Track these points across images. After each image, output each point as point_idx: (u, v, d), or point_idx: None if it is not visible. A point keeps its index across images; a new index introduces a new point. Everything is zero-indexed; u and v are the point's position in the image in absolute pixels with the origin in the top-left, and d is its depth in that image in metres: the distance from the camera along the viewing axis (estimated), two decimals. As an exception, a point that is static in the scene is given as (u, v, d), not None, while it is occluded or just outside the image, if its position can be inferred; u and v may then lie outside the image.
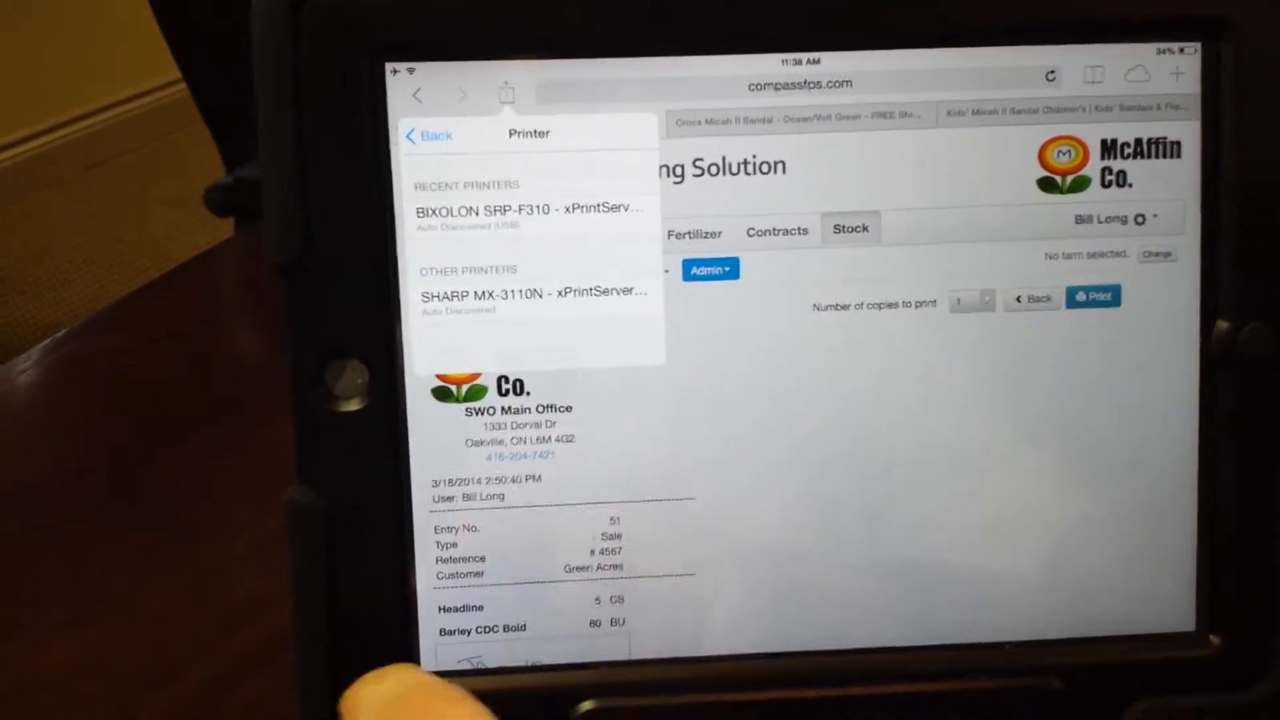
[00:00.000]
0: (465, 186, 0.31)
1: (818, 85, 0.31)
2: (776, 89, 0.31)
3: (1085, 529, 0.32)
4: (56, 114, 2.20)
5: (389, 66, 0.30)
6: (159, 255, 1.90)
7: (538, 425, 0.31)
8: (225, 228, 1.12)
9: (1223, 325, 0.31)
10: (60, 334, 0.59)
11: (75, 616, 0.40)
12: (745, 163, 0.31)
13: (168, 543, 0.44)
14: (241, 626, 0.39)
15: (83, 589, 0.41)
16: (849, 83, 0.31)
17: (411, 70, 0.30)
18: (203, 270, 0.69)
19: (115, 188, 2.18)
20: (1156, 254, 0.31)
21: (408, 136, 0.31)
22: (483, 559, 0.32)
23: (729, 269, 0.31)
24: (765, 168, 0.31)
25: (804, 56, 0.31)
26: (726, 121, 0.31)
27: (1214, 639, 0.32)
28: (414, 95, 0.31)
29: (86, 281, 1.88)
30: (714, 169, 0.31)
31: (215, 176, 1.12)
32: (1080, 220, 0.31)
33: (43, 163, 2.17)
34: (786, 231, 0.31)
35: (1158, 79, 0.31)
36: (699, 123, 0.31)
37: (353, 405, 0.31)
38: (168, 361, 0.55)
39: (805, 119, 0.31)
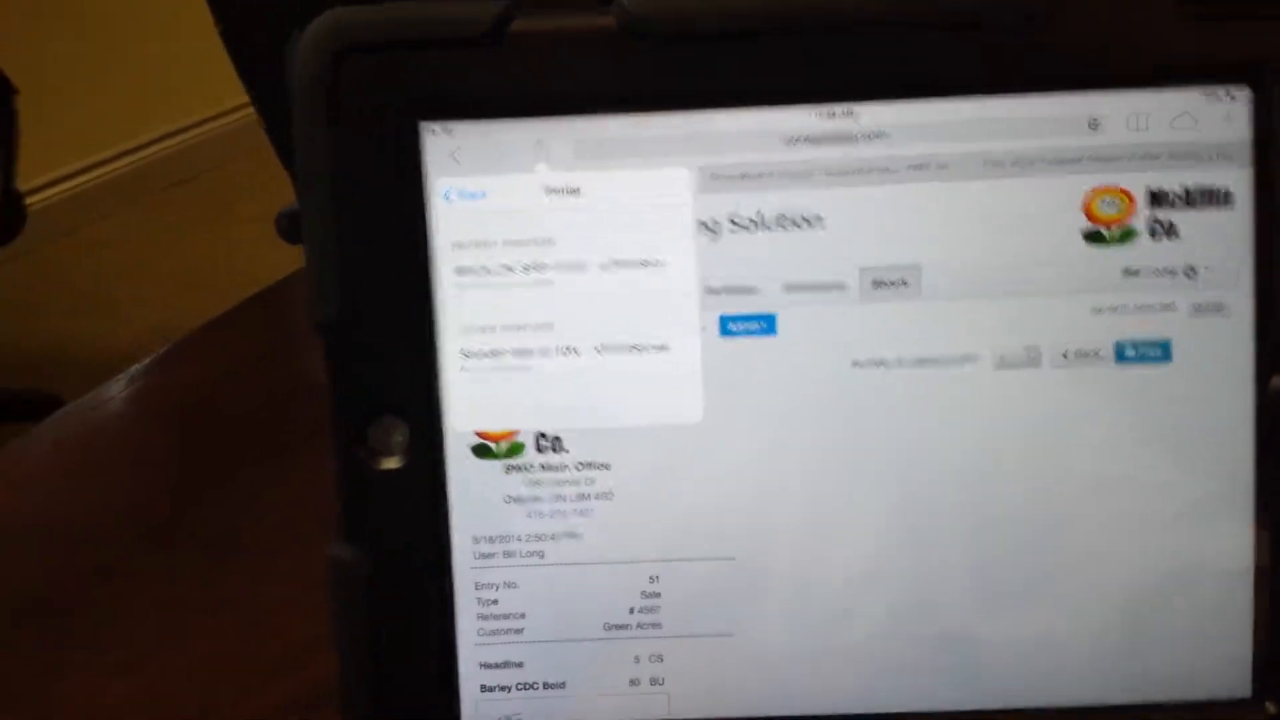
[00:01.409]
0: (502, 244, 0.31)
1: (854, 138, 0.31)
2: (812, 142, 0.31)
3: (1137, 592, 0.31)
4: (139, 134, 2.26)
5: (426, 127, 0.31)
6: (239, 275, 1.93)
7: (576, 483, 0.31)
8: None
9: (1278, 380, 0.30)
10: (133, 369, 0.61)
11: (127, 659, 0.41)
12: (781, 217, 0.31)
13: (218, 583, 0.44)
14: (286, 673, 0.39)
15: (133, 631, 0.42)
16: (885, 134, 0.30)
17: (449, 131, 0.31)
18: (276, 301, 0.70)
19: (196, 207, 2.23)
20: (1208, 307, 0.30)
21: (445, 196, 0.31)
22: (523, 615, 0.32)
23: (766, 325, 0.31)
24: (802, 222, 0.31)
25: (839, 108, 0.30)
26: (761, 176, 0.31)
27: (1271, 706, 0.31)
28: (452, 155, 0.31)
29: (167, 300, 1.93)
30: (750, 224, 0.31)
31: (294, 197, 1.13)
32: (1128, 273, 0.30)
33: (125, 182, 2.23)
34: (824, 287, 0.31)
35: (1206, 125, 0.30)
36: (734, 177, 0.31)
37: (393, 463, 0.31)
38: (233, 398, 0.56)
39: (842, 172, 0.31)
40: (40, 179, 2.07)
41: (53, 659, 0.41)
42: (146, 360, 0.61)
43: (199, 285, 1.95)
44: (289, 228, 1.10)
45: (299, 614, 0.41)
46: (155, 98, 2.25)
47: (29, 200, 1.73)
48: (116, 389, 0.59)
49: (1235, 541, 0.31)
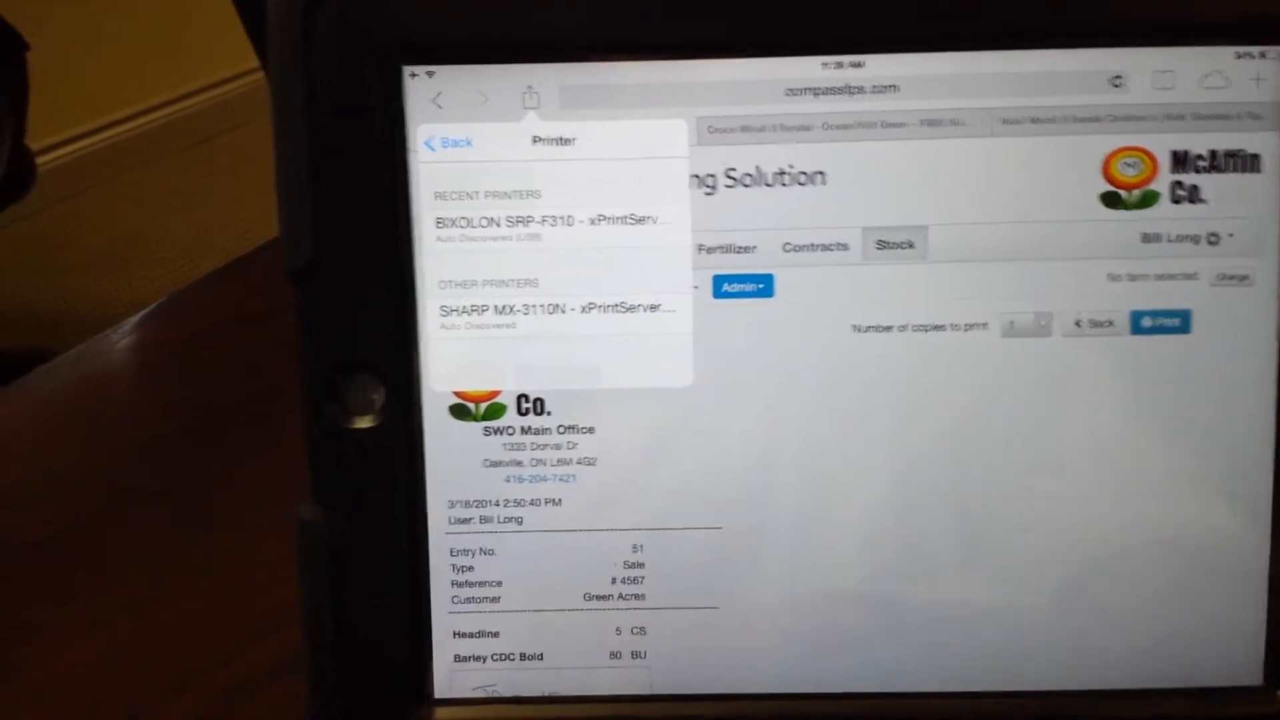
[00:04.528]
0: (486, 196, 0.29)
1: (861, 90, 0.29)
2: (816, 94, 0.29)
3: (1148, 573, 0.29)
4: (154, 95, 2.24)
5: (407, 70, 0.29)
6: (251, 237, 1.92)
7: (558, 447, 0.30)
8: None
9: (1303, 355, 0.28)
10: (122, 324, 0.59)
11: (98, 618, 0.40)
12: (781, 173, 0.29)
13: (198, 544, 0.43)
14: (265, 637, 0.38)
15: (109, 589, 0.41)
16: (895, 87, 0.29)
17: (431, 74, 0.29)
18: (272, 259, 0.69)
19: (210, 169, 2.22)
20: (1231, 277, 0.29)
21: (426, 144, 0.29)
22: (499, 584, 0.30)
23: (762, 286, 0.29)
24: (803, 178, 0.29)
25: (846, 59, 0.29)
26: (762, 129, 0.29)
27: (1284, 696, 0.29)
28: (433, 100, 0.29)
29: (179, 260, 1.92)
30: (748, 179, 0.29)
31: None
32: (1147, 239, 0.29)
33: (139, 143, 2.21)
34: (825, 247, 0.29)
35: (1236, 86, 0.28)
36: (732, 130, 0.29)
37: (366, 421, 0.30)
38: (220, 358, 0.55)
39: (847, 126, 0.29)
40: (53, 138, 2.06)
41: (23, 619, 0.40)
42: (135, 316, 0.59)
43: (211, 248, 1.95)
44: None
45: (280, 577, 0.39)
46: (170, 59, 2.24)
47: (41, 159, 1.72)
48: (102, 345, 0.57)
49: (1251, 522, 0.29)
